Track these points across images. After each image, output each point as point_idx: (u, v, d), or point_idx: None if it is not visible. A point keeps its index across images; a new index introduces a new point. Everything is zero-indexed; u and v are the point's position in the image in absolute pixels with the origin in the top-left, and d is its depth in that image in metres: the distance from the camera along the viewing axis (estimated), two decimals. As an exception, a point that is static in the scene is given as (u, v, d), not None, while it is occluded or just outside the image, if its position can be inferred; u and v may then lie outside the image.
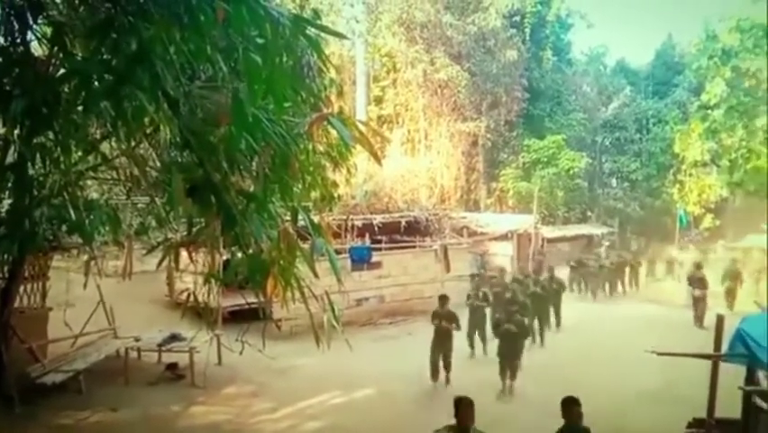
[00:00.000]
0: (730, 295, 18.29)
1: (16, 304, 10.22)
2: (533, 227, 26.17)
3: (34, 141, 5.42)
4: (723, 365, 6.64)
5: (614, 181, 39.85)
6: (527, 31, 34.33)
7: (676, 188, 32.48)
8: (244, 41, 4.30)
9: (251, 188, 5.54)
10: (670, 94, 38.65)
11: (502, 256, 24.18)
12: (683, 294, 18.60)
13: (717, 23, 27.28)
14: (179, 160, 5.73)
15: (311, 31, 4.33)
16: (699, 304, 16.79)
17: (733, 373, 6.84)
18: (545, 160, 31.56)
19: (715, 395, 6.59)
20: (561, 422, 5.94)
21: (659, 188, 35.79)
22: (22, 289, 10.59)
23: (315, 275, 5.27)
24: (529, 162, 32.60)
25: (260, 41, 4.28)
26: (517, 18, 34.12)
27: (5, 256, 9.18)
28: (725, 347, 6.72)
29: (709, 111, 27.95)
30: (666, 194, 34.57)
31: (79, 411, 9.12)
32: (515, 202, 32.98)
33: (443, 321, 11.40)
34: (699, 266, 18.32)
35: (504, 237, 25.33)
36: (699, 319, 16.48)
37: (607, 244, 29.73)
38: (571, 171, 31.58)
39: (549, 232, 28.41)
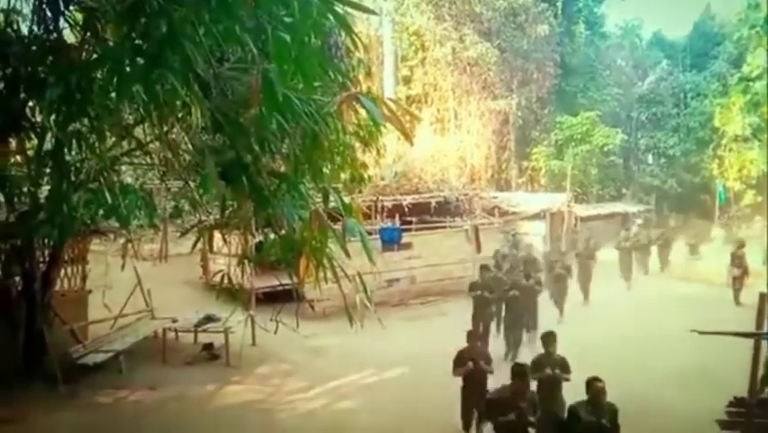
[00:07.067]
0: (774, 275, 17.70)
1: (57, 287, 10.52)
2: (566, 206, 25.73)
3: (70, 127, 5.51)
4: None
5: (650, 158, 38.65)
6: (559, 4, 33.29)
7: (716, 164, 31.48)
8: (273, 21, 4.27)
9: (282, 169, 5.55)
10: (709, 66, 37.19)
11: (534, 236, 23.85)
12: (723, 272, 18.09)
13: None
14: (211, 143, 5.78)
15: (339, 8, 4.27)
16: (737, 282, 16.45)
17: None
18: (579, 137, 30.80)
19: (756, 375, 6.43)
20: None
21: (698, 164, 34.62)
22: (62, 272, 10.88)
23: (348, 255, 5.27)
24: (562, 140, 31.87)
25: (288, 20, 4.24)
26: (549, -8, 33.25)
27: (46, 240, 9.47)
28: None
29: (751, 83, 26.95)
30: (705, 170, 33.49)
31: (119, 390, 9.40)
32: (547, 181, 32.36)
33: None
34: (741, 244, 17.79)
35: (536, 216, 24.98)
36: (736, 297, 16.11)
37: (639, 222, 28.90)
38: (606, 148, 30.80)
39: (582, 210, 27.81)
